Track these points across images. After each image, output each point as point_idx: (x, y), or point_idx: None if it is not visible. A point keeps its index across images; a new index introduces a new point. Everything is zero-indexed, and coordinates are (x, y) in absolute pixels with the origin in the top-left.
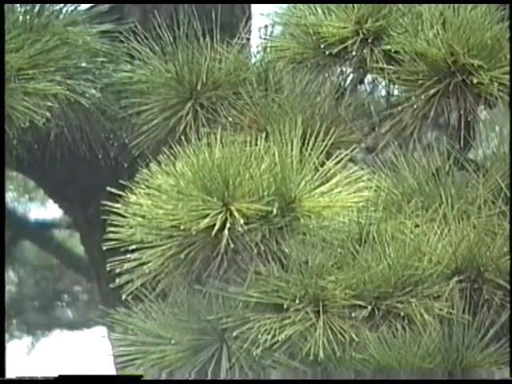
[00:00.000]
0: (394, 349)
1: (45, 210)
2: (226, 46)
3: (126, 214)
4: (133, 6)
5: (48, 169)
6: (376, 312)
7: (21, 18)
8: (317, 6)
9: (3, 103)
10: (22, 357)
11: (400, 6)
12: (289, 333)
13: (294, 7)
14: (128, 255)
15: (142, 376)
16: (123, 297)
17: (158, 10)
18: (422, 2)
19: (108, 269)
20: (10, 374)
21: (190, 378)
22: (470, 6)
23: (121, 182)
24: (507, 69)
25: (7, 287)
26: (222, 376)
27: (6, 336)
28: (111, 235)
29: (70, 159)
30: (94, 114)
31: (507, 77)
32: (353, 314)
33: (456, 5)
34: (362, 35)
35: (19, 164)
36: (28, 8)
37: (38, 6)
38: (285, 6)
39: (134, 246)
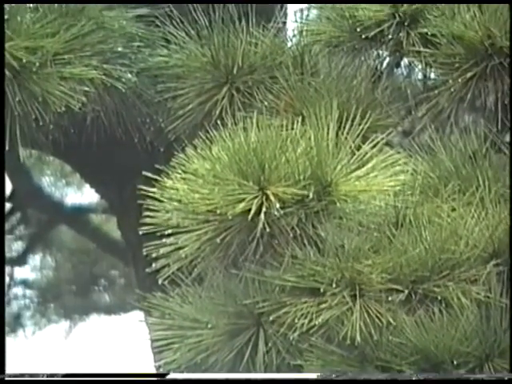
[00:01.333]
0: (431, 332)
1: (81, 194)
2: (261, 29)
3: (162, 199)
4: None
5: (84, 153)
6: (413, 296)
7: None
8: None
9: (3, 103)
10: (60, 341)
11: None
12: (325, 317)
13: None
14: (164, 240)
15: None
16: (160, 281)
17: None
18: (429, 3)
19: (144, 253)
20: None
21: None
22: None
23: (157, 166)
24: None
25: (45, 272)
26: (259, 361)
27: (44, 320)
28: (147, 220)
29: (106, 143)
30: (130, 98)
31: None
32: (390, 298)
33: None
34: (398, 18)
35: (56, 149)
36: None
37: None
38: None
39: (170, 231)
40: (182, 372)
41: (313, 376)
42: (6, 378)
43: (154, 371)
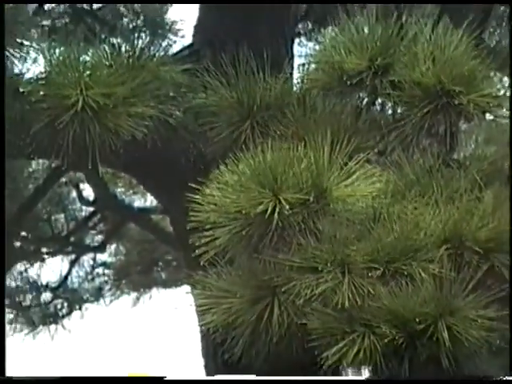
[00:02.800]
0: (400, 299)
1: (144, 200)
2: (274, 78)
3: (202, 203)
4: (206, 50)
5: (145, 170)
6: (387, 272)
7: (125, 60)
8: (340, 47)
9: (3, 103)
10: (129, 309)
11: (401, 47)
12: (323, 288)
13: (324, 50)
14: (205, 232)
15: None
16: (201, 263)
17: (225, 53)
18: (424, 3)
19: (190, 242)
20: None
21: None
22: (453, 45)
23: (199, 179)
24: (481, 93)
25: (118, 257)
26: (274, 321)
27: (118, 293)
28: (192, 218)
29: (161, 163)
30: (178, 129)
31: (481, 99)
32: (370, 274)
33: (443, 45)
34: (373, 69)
35: (125, 167)
36: (130, 53)
37: (138, 51)
38: (317, 48)
39: (208, 226)
40: (217, 331)
41: (312, 377)
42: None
43: (198, 330)
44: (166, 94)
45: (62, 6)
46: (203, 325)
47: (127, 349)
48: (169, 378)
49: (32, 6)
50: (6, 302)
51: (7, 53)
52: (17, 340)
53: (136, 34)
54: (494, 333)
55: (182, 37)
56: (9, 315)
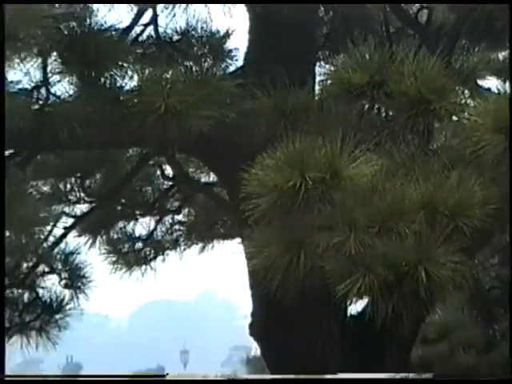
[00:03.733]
0: (390, 248)
1: (208, 177)
2: (301, 90)
3: (250, 179)
4: (253, 70)
5: (209, 156)
6: (381, 230)
7: (195, 77)
8: (349, 68)
9: (3, 103)
10: (197, 255)
11: (392, 68)
12: (336, 241)
13: (336, 70)
14: (251, 201)
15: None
16: (249, 222)
17: (266, 72)
18: (421, 2)
19: (241, 208)
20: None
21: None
22: (429, 67)
23: (248, 162)
24: (449, 101)
25: (189, 217)
26: (301, 265)
27: (189, 243)
28: (243, 190)
29: (221, 151)
30: (232, 127)
31: (449, 105)
32: (369, 231)
33: (422, 67)
34: (372, 84)
35: (195, 153)
36: (199, 72)
37: (204, 71)
38: (332, 69)
39: (254, 196)
40: (260, 271)
41: (314, 376)
42: (6, 378)
43: (247, 270)
44: (224, 102)
45: (150, 38)
46: (251, 266)
47: (195, 279)
48: (170, 377)
49: (129, 38)
50: (111, 249)
51: (112, 72)
52: (117, 276)
53: (203, 59)
54: (458, 273)
55: (236, 60)
56: (112, 258)
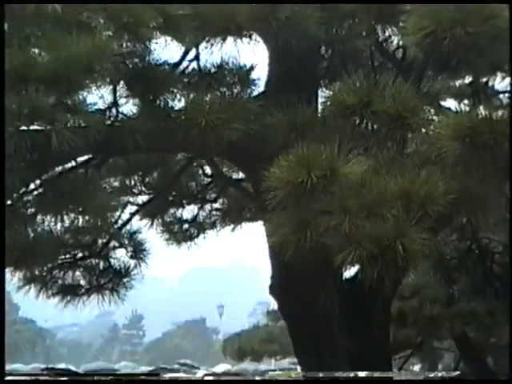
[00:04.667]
0: (375, 228)
1: (237, 174)
2: (308, 109)
3: (269, 176)
4: (271, 93)
5: (238, 159)
6: (369, 215)
7: (227, 99)
8: (343, 92)
9: (3, 103)
10: (230, 234)
11: (377, 92)
12: (334, 223)
13: (335, 93)
14: (271, 192)
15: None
16: (269, 209)
17: (281, 95)
18: (418, 2)
19: (263, 198)
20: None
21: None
22: (404, 91)
23: (268, 164)
24: (419, 117)
25: (223, 205)
26: (307, 240)
27: (223, 224)
28: (264, 184)
29: (247, 154)
30: (255, 137)
31: (419, 121)
32: (359, 215)
33: (399, 91)
34: (361, 104)
35: (228, 156)
36: (230, 96)
37: (234, 95)
38: (331, 93)
39: (272, 189)
40: (277, 245)
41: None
42: (6, 378)
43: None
44: (249, 118)
45: (194, 70)
46: (270, 242)
47: (228, 252)
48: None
49: (178, 71)
50: (164, 229)
51: (165, 96)
52: (170, 249)
53: (233, 86)
54: (426, 246)
55: (258, 87)
56: (165, 236)
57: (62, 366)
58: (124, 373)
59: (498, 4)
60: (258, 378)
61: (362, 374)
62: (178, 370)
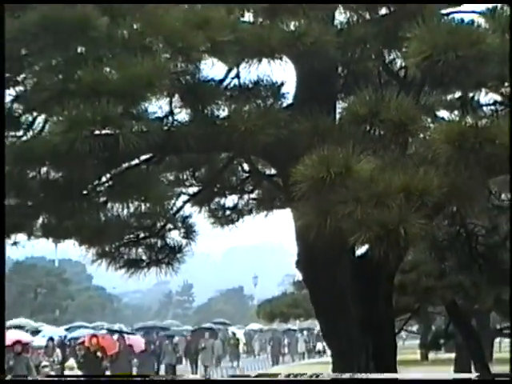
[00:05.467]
0: (382, 216)
1: (270, 170)
2: (328, 118)
3: (296, 172)
4: (297, 106)
5: (270, 158)
6: (377, 204)
7: (262, 110)
8: (357, 105)
9: (3, 103)
10: (264, 217)
11: (384, 104)
12: (349, 211)
13: (350, 106)
14: (297, 185)
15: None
16: (295, 199)
17: (305, 107)
18: (424, 2)
19: (291, 190)
20: None
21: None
22: (405, 104)
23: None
24: (418, 125)
25: (259, 195)
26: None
27: (258, 210)
28: (291, 179)
29: (277, 155)
30: (285, 140)
31: (418, 127)
32: (368, 204)
33: (401, 104)
34: (371, 114)
35: (262, 156)
36: (264, 107)
37: (268, 106)
38: (346, 105)
39: (298, 182)
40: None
41: (313, 376)
42: (6, 378)
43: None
44: (280, 125)
45: (235, 86)
46: (296, 226)
47: (262, 233)
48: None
49: (222, 86)
50: (210, 214)
51: (211, 107)
52: (215, 231)
53: (267, 99)
54: (423, 230)
55: (287, 99)
56: (211, 220)
57: (117, 326)
58: (118, 374)
59: (483, 29)
60: (259, 379)
61: (368, 376)
62: (215, 328)
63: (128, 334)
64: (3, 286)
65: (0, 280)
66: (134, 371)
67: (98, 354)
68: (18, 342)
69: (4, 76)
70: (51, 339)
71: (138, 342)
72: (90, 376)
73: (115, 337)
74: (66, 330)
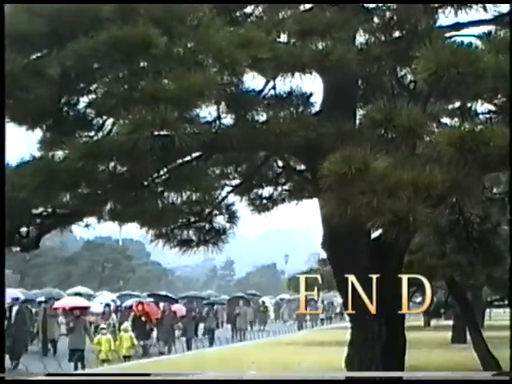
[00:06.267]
0: (394, 205)
1: (299, 166)
2: (348, 124)
3: (323, 168)
4: (325, 113)
5: (300, 155)
6: (389, 195)
7: (294, 116)
8: (374, 111)
9: (3, 103)
10: (293, 206)
11: (396, 111)
12: (366, 201)
13: (368, 112)
14: (323, 179)
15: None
16: (322, 190)
17: (331, 114)
18: (426, 3)
19: (319, 182)
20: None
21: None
22: (415, 111)
23: (322, 159)
24: (425, 130)
25: (287, 187)
26: (347, 210)
27: (289, 200)
28: (319, 174)
29: (306, 152)
30: (314, 141)
31: (426, 132)
32: (383, 195)
33: (410, 112)
34: (386, 120)
35: (294, 154)
36: (296, 113)
37: (300, 113)
38: (365, 112)
39: (325, 176)
40: (327, 213)
41: (313, 376)
42: (6, 378)
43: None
44: (309, 128)
45: (272, 95)
46: (322, 213)
47: (293, 218)
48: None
49: (261, 95)
50: (250, 203)
51: (252, 112)
52: (253, 216)
53: (299, 106)
54: (428, 218)
55: (316, 107)
56: (250, 207)
57: (163, 292)
58: (112, 373)
59: (480, 50)
60: (259, 379)
61: (373, 374)
62: (247, 298)
63: (172, 301)
64: (3, 284)
65: (0, 279)
66: (177, 333)
67: (143, 318)
68: (76, 307)
69: (4, 76)
70: (107, 305)
71: (180, 309)
72: (90, 375)
73: (161, 304)
74: (118, 297)
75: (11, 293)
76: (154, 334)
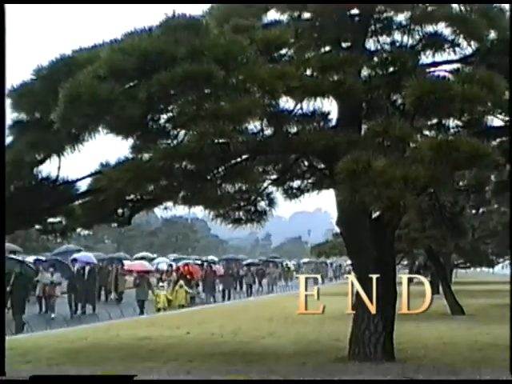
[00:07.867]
0: (390, 194)
1: (320, 165)
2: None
3: (339, 167)
4: (340, 126)
5: (322, 156)
6: (387, 187)
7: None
8: (376, 125)
9: (3, 103)
10: (315, 195)
11: (392, 125)
12: (374, 193)
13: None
14: (339, 175)
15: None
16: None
17: (345, 126)
18: (424, 2)
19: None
20: None
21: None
22: (405, 124)
23: (337, 161)
24: (412, 139)
25: (311, 182)
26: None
27: (313, 192)
28: (335, 171)
29: (325, 154)
30: (332, 148)
31: (412, 141)
32: (382, 187)
33: (402, 124)
34: (383, 132)
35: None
36: (319, 127)
37: (321, 127)
38: (368, 126)
39: (340, 173)
40: (341, 200)
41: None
42: (7, 378)
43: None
44: (328, 138)
45: (300, 115)
46: (337, 199)
47: (315, 203)
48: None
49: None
50: (283, 191)
51: (288, 125)
52: (286, 202)
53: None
54: (414, 203)
55: (332, 122)
56: (284, 195)
57: (211, 257)
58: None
59: (452, 81)
60: (259, 379)
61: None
62: (272, 261)
63: (213, 263)
64: (3, 285)
65: (0, 279)
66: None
67: (188, 276)
68: (142, 270)
69: (4, 76)
70: (170, 265)
71: (219, 269)
72: (90, 375)
73: (205, 265)
74: (173, 260)
75: (85, 256)
76: (200, 288)
